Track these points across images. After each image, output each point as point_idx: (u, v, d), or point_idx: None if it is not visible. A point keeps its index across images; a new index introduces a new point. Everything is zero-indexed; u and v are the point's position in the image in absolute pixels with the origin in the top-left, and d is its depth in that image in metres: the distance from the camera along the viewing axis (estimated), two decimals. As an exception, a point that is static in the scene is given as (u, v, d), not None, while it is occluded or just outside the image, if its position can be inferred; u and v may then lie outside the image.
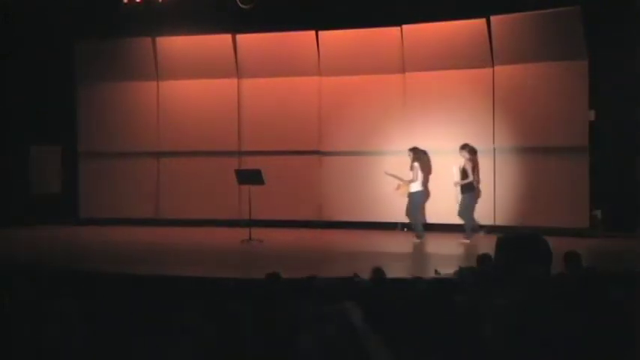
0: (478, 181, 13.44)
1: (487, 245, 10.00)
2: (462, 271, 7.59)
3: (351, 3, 14.63)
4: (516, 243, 8.18)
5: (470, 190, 13.22)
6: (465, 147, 13.32)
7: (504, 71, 14.27)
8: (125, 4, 15.48)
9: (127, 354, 4.62)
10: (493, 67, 14.36)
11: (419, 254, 12.59)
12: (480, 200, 14.01)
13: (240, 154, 15.87)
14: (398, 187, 13.75)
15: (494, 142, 14.37)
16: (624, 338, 4.80)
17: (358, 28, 15.12)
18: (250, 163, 14.98)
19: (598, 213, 13.64)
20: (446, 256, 11.69)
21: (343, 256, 12.01)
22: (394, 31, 15.02)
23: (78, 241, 14.49)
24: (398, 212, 14.22)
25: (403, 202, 13.80)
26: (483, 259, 7.73)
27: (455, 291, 5.85)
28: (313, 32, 15.44)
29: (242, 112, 16.04)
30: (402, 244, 13.38)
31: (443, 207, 14.09)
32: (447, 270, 8.72)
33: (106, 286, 8.04)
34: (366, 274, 7.30)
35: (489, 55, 14.33)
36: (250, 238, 13.13)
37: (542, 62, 13.85)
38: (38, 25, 15.60)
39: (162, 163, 16.45)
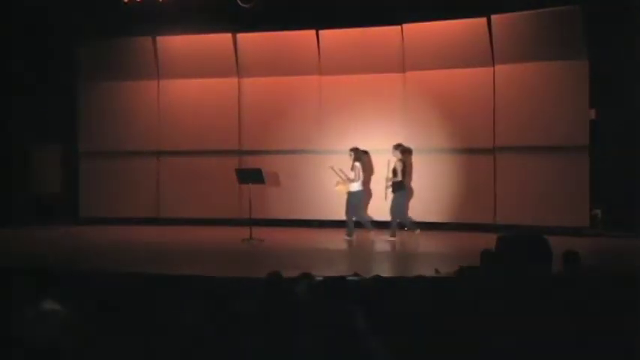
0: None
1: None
2: (462, 270, 7.59)
3: (351, 2, 14.63)
4: (516, 242, 8.17)
5: (400, 188, 13.54)
6: (397, 147, 13.68)
7: (505, 70, 14.27)
8: (126, 3, 15.48)
9: (125, 354, 4.62)
10: (494, 66, 14.37)
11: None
12: (479, 199, 14.07)
13: (241, 153, 15.88)
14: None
15: (494, 142, 14.38)
16: (622, 338, 4.80)
17: (359, 27, 15.11)
18: (250, 162, 14.99)
19: (598, 212, 13.66)
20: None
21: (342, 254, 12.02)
22: (395, 30, 15.03)
23: (78, 240, 14.46)
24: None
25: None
26: (486, 255, 7.71)
27: (456, 290, 5.85)
28: (314, 31, 15.44)
29: (242, 112, 16.04)
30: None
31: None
32: (447, 269, 8.71)
33: (105, 285, 8.03)
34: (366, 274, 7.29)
35: (490, 54, 14.33)
36: (251, 238, 13.12)
37: (542, 61, 13.85)
38: (39, 25, 15.61)
39: (163, 162, 16.45)
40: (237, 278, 8.68)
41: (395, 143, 13.78)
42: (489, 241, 8.26)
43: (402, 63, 15.07)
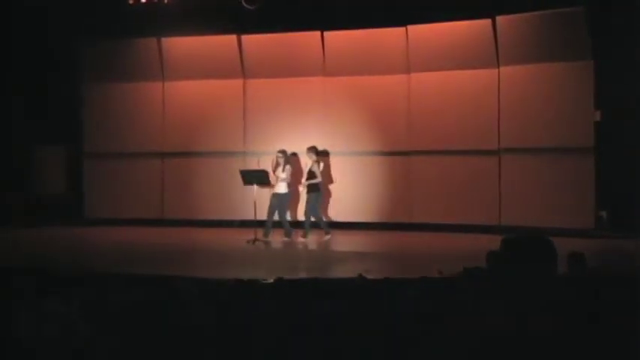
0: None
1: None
2: (466, 272, 7.56)
3: (356, 3, 14.62)
4: (521, 243, 8.14)
5: (316, 190, 13.71)
6: (311, 149, 13.88)
7: (509, 72, 14.25)
8: (130, 4, 15.49)
9: (130, 354, 4.61)
10: (498, 67, 14.35)
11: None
12: (484, 200, 14.05)
13: (245, 154, 15.86)
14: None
15: (499, 143, 14.35)
16: (628, 339, 4.78)
17: (363, 28, 15.11)
18: (255, 164, 14.97)
19: (604, 214, 13.61)
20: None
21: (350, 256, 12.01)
22: (399, 31, 15.01)
23: (82, 241, 14.46)
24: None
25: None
26: (492, 256, 7.68)
27: (459, 291, 5.83)
28: (318, 33, 15.44)
29: (247, 113, 16.04)
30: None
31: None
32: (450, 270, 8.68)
33: (110, 286, 8.02)
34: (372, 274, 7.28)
35: (495, 56, 14.32)
36: (256, 239, 13.10)
37: (547, 62, 13.83)
38: (43, 25, 15.61)
39: (167, 163, 16.45)
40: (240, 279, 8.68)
41: (309, 146, 13.97)
42: (494, 242, 8.22)
43: (407, 64, 15.05)
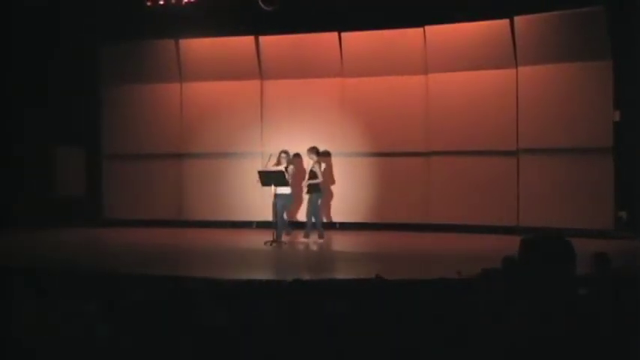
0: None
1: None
2: (485, 273, 7.53)
3: (373, 4, 14.60)
4: (540, 244, 8.10)
5: (316, 190, 13.69)
6: (312, 149, 13.86)
7: (528, 72, 14.19)
8: (148, 6, 15.56)
9: (147, 355, 4.63)
10: (517, 67, 14.30)
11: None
12: (503, 201, 14.01)
13: (263, 155, 15.86)
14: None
15: (517, 143, 14.30)
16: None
17: (381, 29, 15.10)
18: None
19: (623, 214, 13.52)
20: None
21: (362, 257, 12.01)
22: (417, 32, 14.99)
23: (102, 242, 14.56)
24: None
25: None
26: (508, 260, 7.65)
27: (479, 292, 5.82)
28: (336, 33, 15.44)
29: (265, 114, 16.06)
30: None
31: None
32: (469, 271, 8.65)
33: (129, 287, 8.06)
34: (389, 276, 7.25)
35: (513, 56, 14.26)
36: (274, 240, 13.11)
37: (566, 62, 13.77)
38: (63, 28, 15.70)
39: (186, 164, 16.50)
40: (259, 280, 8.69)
41: (310, 146, 13.96)
42: (512, 243, 8.19)
43: (425, 65, 15.03)
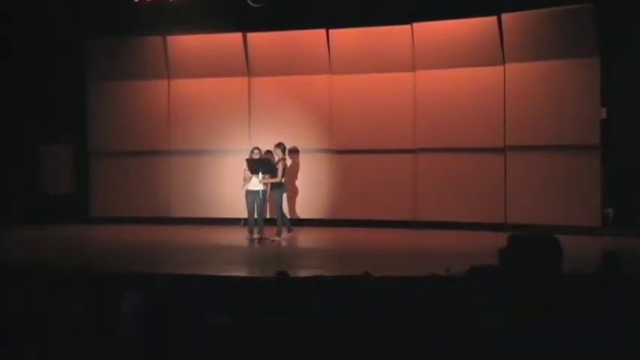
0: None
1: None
2: (474, 270, 7.54)
3: (361, 1, 14.62)
4: (527, 241, 8.12)
5: (279, 187, 13.48)
6: (279, 145, 13.68)
7: (515, 69, 14.22)
8: (136, 2, 15.52)
9: (138, 354, 4.63)
10: (504, 64, 14.32)
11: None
12: (490, 198, 14.06)
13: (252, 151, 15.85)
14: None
15: (505, 141, 14.34)
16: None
17: (369, 26, 15.11)
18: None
19: (610, 211, 13.58)
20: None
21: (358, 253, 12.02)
22: (405, 29, 15.00)
23: (89, 240, 14.52)
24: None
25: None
26: (504, 253, 7.65)
27: (467, 289, 5.83)
28: (324, 30, 15.43)
29: (252, 111, 16.05)
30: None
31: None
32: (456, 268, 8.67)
33: (117, 285, 8.04)
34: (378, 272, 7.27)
35: (500, 53, 14.29)
36: (262, 237, 13.10)
37: (553, 60, 13.80)
38: (49, 24, 15.64)
39: (174, 161, 16.47)
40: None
41: (277, 142, 13.77)
42: (499, 240, 8.22)
43: (412, 62, 15.04)
